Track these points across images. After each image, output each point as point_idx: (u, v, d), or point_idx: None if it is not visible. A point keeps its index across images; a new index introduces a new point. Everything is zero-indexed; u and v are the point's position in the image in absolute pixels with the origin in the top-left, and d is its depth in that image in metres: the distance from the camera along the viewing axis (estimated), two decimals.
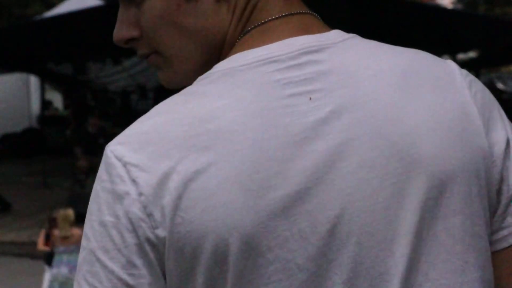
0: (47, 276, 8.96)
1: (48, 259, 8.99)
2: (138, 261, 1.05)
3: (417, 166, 1.06)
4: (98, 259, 1.06)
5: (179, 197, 1.02)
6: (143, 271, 1.05)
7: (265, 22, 1.12)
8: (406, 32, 17.39)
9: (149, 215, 1.03)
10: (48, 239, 9.04)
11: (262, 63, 1.08)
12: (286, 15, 1.14)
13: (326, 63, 1.10)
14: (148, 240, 1.04)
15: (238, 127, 1.03)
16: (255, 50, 1.09)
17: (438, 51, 19.37)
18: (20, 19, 27.93)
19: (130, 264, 1.05)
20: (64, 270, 8.78)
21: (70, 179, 15.83)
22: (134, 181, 1.04)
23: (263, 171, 1.01)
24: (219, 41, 1.13)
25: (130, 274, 1.05)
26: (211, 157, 1.02)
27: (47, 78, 20.40)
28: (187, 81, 1.17)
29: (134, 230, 1.04)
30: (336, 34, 1.19)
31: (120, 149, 1.07)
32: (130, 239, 1.04)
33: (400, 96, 1.09)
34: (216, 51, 1.14)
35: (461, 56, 19.62)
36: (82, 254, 1.09)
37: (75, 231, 8.98)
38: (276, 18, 1.13)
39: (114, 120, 17.39)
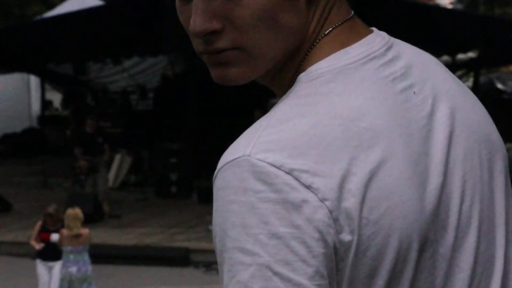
0: (43, 271, 8.96)
1: (42, 253, 9.01)
2: (325, 271, 1.00)
3: (496, 149, 1.16)
4: (276, 273, 0.98)
5: (362, 199, 0.99)
6: (327, 281, 1.00)
7: (343, 22, 1.13)
8: (406, 32, 17.36)
9: (335, 220, 0.99)
10: (43, 232, 9.05)
11: (366, 60, 1.09)
12: (352, 16, 1.16)
13: (403, 58, 1.15)
14: (334, 246, 1.00)
15: (388, 124, 1.03)
16: (352, 49, 1.10)
17: (438, 51, 19.42)
18: (20, 20, 27.93)
19: (318, 275, 0.99)
20: (73, 269, 8.81)
21: (70, 179, 15.85)
22: (309, 187, 0.99)
23: (419, 166, 1.04)
24: (299, 41, 1.11)
25: (318, 285, 0.99)
26: (379, 155, 1.01)
27: (48, 78, 20.42)
28: (257, 79, 1.17)
29: (323, 239, 0.99)
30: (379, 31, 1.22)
31: (273, 156, 1.00)
32: (318, 248, 0.99)
33: (457, 87, 1.18)
34: (292, 51, 1.12)
35: (460, 56, 19.62)
36: (247, 271, 1.00)
37: (84, 230, 9.04)
38: (348, 20, 1.15)
39: (114, 121, 17.40)
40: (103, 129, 14.83)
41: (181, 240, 11.96)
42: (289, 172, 0.99)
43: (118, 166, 15.61)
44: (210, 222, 13.12)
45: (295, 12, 1.08)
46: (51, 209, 9.19)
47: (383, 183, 1.00)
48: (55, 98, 23.50)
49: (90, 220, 12.84)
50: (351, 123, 1.02)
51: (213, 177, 1.07)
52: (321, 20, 1.12)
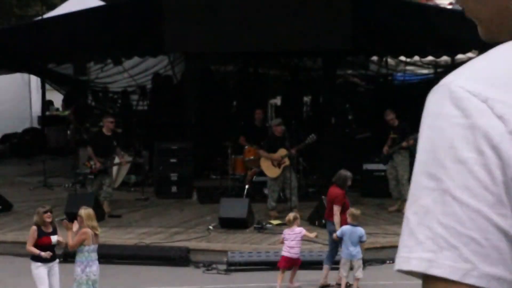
0: (43, 273, 8.96)
1: (39, 256, 9.02)
2: (507, 200, 0.98)
3: None
4: (456, 198, 0.99)
5: None
6: (510, 211, 0.98)
7: None
8: (406, 32, 17.42)
9: None
10: (43, 237, 9.04)
11: None
12: None
13: None
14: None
15: None
16: None
17: (437, 52, 19.44)
18: (21, 20, 27.95)
19: (500, 203, 0.98)
20: (94, 268, 8.86)
21: (71, 178, 15.88)
22: (501, 117, 0.99)
23: None
24: None
25: (500, 215, 0.98)
26: None
27: (48, 79, 20.43)
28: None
29: (503, 167, 0.98)
30: None
31: (473, 84, 1.02)
32: (500, 176, 0.98)
33: None
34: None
35: (460, 56, 19.62)
36: (430, 197, 1.01)
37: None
38: None
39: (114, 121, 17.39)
40: (117, 132, 14.85)
41: (181, 240, 11.99)
42: (484, 101, 1.00)
43: (118, 166, 15.64)
44: (210, 222, 13.18)
45: None
46: (41, 213, 9.12)
47: None
48: (56, 98, 23.51)
49: None
50: None
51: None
52: None
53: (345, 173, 10.66)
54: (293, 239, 10.15)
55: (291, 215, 10.45)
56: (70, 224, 9.11)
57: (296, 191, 13.65)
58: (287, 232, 10.25)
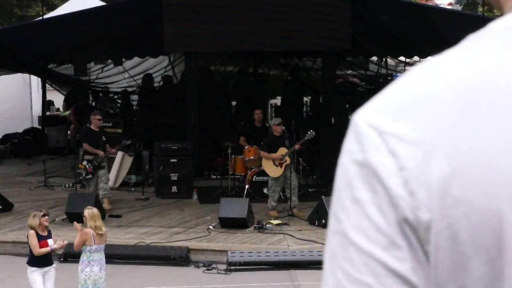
0: (38, 277, 8.96)
1: (38, 261, 9.00)
2: (402, 242, 0.91)
3: None
4: (352, 241, 0.94)
5: (452, 174, 0.89)
6: (406, 254, 0.91)
7: None
8: (406, 32, 17.45)
9: (411, 193, 0.91)
10: (40, 241, 9.04)
11: None
12: None
13: None
14: (406, 220, 0.91)
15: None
16: None
17: (437, 52, 19.42)
18: (21, 20, 27.98)
19: (393, 245, 0.91)
20: (96, 268, 8.87)
21: (71, 178, 15.90)
22: (393, 152, 0.92)
23: None
24: None
25: (394, 257, 0.91)
26: (488, 122, 0.89)
27: (49, 79, 20.46)
28: None
29: (395, 206, 0.91)
30: None
31: (375, 116, 0.95)
32: (392, 215, 0.91)
33: None
34: None
35: None
36: (335, 239, 0.96)
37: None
38: None
39: (115, 121, 17.44)
40: (104, 128, 14.91)
41: (181, 240, 12.01)
42: (380, 135, 0.93)
43: (119, 166, 15.67)
44: (210, 222, 13.20)
45: None
46: (39, 217, 9.11)
47: (485, 157, 0.88)
48: (56, 98, 23.52)
49: None
50: (471, 85, 0.92)
51: None
52: None
53: None
54: None
55: None
56: (78, 226, 9.12)
57: (297, 191, 13.67)
58: None
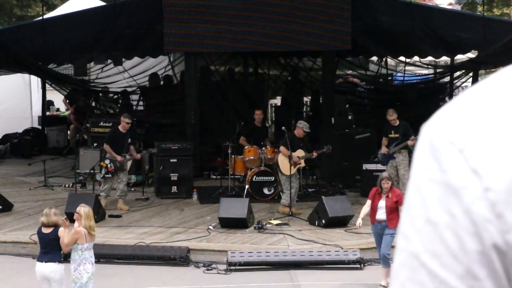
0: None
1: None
2: (481, 272, 0.87)
3: None
4: (424, 265, 0.89)
5: None
6: (486, 283, 0.87)
7: None
8: (405, 32, 17.44)
9: (499, 215, 0.85)
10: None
11: None
12: None
13: None
14: (495, 246, 0.86)
15: None
16: None
17: (437, 51, 19.45)
18: (21, 20, 27.97)
19: (469, 275, 0.86)
20: (88, 266, 8.84)
21: (71, 179, 15.89)
22: (476, 172, 0.86)
23: None
24: None
25: (469, 286, 0.87)
26: None
27: (49, 79, 20.46)
28: None
29: (477, 234, 0.86)
30: None
31: (452, 130, 0.89)
32: (472, 244, 0.86)
33: None
34: None
35: (460, 56, 19.65)
36: (400, 257, 0.92)
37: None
38: None
39: (115, 121, 17.43)
40: (134, 130, 14.94)
41: (181, 240, 12.01)
42: (460, 151, 0.87)
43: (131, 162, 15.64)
44: (210, 222, 13.19)
45: None
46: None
47: None
48: (56, 98, 23.52)
49: None
50: None
51: None
52: None
53: (384, 173, 10.62)
54: None
55: None
56: (67, 223, 9.08)
57: (296, 191, 13.71)
58: None
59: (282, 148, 13.56)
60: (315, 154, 13.69)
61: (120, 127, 14.17)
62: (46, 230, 8.92)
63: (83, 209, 8.93)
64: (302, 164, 13.52)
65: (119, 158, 13.81)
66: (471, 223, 0.86)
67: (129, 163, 14.46)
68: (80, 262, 8.77)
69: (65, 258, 10.56)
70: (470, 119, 0.88)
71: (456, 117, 0.89)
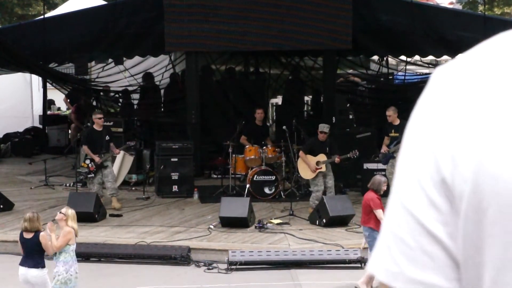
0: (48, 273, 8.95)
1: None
2: (442, 205, 1.02)
3: None
4: (400, 201, 1.04)
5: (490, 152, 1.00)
6: (448, 217, 1.01)
7: None
8: (406, 32, 17.46)
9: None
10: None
11: None
12: None
13: None
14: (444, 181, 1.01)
15: None
16: None
17: (438, 51, 19.44)
18: (22, 19, 27.98)
19: (433, 206, 1.02)
20: (76, 266, 8.84)
21: (71, 178, 15.89)
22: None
23: None
24: None
25: (434, 219, 1.01)
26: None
27: (50, 78, 20.47)
28: None
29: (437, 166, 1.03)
30: None
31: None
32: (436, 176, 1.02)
33: None
34: None
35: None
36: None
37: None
38: None
39: (116, 120, 17.44)
40: (109, 127, 14.94)
41: (182, 239, 12.01)
42: None
43: (119, 165, 15.67)
44: (211, 221, 13.19)
45: None
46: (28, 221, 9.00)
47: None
48: (57, 97, 23.54)
49: (91, 219, 12.91)
50: None
51: None
52: None
53: (380, 178, 10.55)
54: None
55: None
56: (53, 227, 8.98)
57: (333, 190, 13.59)
58: None
59: (300, 153, 13.53)
60: (337, 159, 13.30)
61: (95, 126, 14.19)
62: (28, 235, 8.85)
63: (70, 211, 8.89)
64: (323, 169, 13.34)
65: (97, 159, 13.81)
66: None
67: (128, 161, 14.47)
68: (72, 263, 8.75)
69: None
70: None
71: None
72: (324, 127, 13.49)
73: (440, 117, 1.04)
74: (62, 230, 8.79)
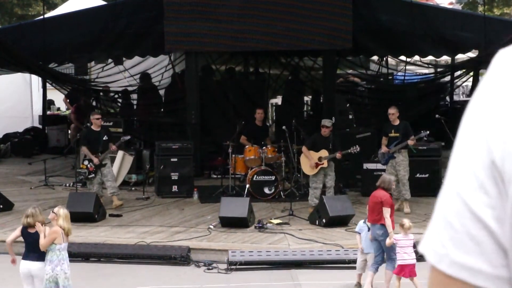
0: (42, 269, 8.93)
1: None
2: (491, 188, 1.07)
3: None
4: (451, 184, 1.09)
5: None
6: (497, 201, 1.05)
7: None
8: (406, 32, 17.46)
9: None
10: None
11: None
12: None
13: None
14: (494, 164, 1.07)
15: None
16: None
17: (438, 51, 19.44)
18: (22, 20, 27.98)
19: (483, 190, 1.06)
20: (65, 266, 8.81)
21: (71, 178, 15.89)
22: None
23: None
24: None
25: (482, 202, 1.05)
26: None
27: (49, 78, 20.48)
28: None
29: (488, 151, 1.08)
30: None
31: None
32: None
33: None
34: None
35: (460, 56, 19.65)
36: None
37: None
38: None
39: (115, 120, 17.45)
40: (107, 127, 14.95)
41: (182, 239, 12.01)
42: None
43: (119, 165, 15.67)
44: (211, 221, 13.18)
45: None
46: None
47: None
48: (57, 97, 23.54)
49: (91, 219, 12.91)
50: None
51: None
52: None
53: (389, 176, 10.50)
54: (409, 245, 9.80)
55: (406, 222, 9.78)
56: (42, 228, 8.94)
57: (332, 191, 13.55)
58: (401, 238, 9.70)
59: (303, 148, 13.51)
60: (338, 154, 13.26)
61: (93, 126, 14.21)
62: (31, 230, 8.91)
63: (62, 211, 8.89)
64: (325, 164, 13.31)
65: (95, 159, 13.82)
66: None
67: (128, 161, 14.48)
68: (58, 262, 8.72)
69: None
70: None
71: None
72: (326, 122, 13.49)
73: (495, 103, 1.06)
74: (49, 229, 8.81)
